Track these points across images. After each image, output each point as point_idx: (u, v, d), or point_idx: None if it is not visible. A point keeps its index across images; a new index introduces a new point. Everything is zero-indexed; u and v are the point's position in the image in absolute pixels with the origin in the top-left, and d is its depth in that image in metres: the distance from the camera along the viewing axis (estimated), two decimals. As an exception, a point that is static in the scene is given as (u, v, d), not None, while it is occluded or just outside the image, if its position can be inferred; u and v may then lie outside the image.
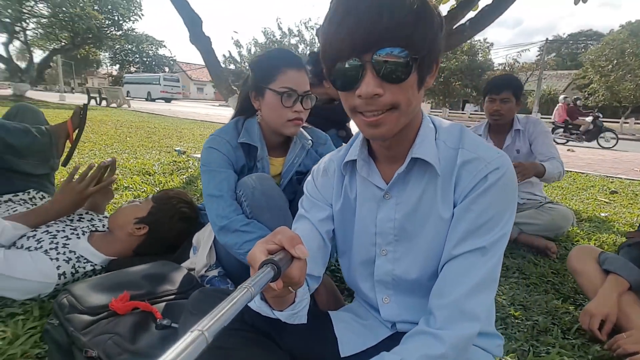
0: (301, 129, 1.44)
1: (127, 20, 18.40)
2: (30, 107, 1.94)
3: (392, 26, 0.63)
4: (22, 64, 17.48)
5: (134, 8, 18.60)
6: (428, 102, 29.37)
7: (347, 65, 0.66)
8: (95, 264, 1.37)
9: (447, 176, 0.78)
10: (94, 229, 1.50)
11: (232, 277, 1.33)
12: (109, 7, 17.43)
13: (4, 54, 15.74)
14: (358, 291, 0.97)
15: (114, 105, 15.27)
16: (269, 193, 1.21)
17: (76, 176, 1.49)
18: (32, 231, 1.38)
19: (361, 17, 0.63)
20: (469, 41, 27.38)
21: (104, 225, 1.54)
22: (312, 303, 1.24)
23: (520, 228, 2.14)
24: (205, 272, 1.32)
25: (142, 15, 18.97)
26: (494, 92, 2.14)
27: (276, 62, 1.28)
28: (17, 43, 17.60)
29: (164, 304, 1.09)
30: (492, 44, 28.46)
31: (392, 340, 0.85)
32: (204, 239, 1.38)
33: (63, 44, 18.23)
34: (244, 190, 1.21)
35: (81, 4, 15.87)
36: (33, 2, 15.96)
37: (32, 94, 15.91)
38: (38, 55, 18.87)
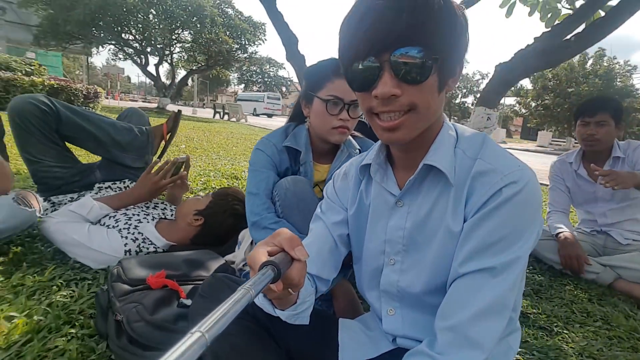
0: (350, 138, 1.46)
1: (252, 44, 20.53)
2: (138, 111, 2.31)
3: (412, 26, 0.61)
4: (167, 82, 20.84)
5: (259, 33, 20.71)
6: (550, 130, 26.33)
7: (364, 65, 0.65)
8: (157, 247, 1.55)
9: (460, 187, 0.72)
10: (163, 216, 1.71)
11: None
12: (239, 32, 19.70)
13: (154, 73, 18.99)
14: (366, 300, 0.93)
15: (234, 119, 17.25)
16: (301, 195, 1.24)
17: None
18: (114, 212, 1.62)
19: (380, 16, 0.62)
20: (606, 64, 23.91)
21: (172, 215, 1.74)
22: (327, 307, 1.22)
23: (619, 273, 1.79)
24: (243, 266, 1.39)
25: (265, 39, 20.97)
26: (587, 115, 1.89)
27: (325, 71, 1.32)
28: (165, 65, 20.95)
29: (191, 286, 1.18)
30: (635, 67, 24.12)
31: (392, 356, 0.81)
32: (247, 235, 1.46)
33: (200, 65, 21.23)
34: (278, 190, 1.26)
35: (216, 31, 18.29)
36: (180, 30, 18.93)
37: (171, 107, 18.68)
38: (179, 75, 22.20)
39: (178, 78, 21.51)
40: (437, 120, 0.74)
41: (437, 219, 0.74)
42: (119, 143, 2.00)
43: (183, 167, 1.80)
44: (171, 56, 20.36)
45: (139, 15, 17.41)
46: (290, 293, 0.62)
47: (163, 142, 2.20)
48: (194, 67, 21.59)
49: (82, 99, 10.15)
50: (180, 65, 22.09)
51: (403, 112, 0.66)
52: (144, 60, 19.37)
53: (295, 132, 1.43)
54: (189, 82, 21.32)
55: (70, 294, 1.28)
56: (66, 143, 1.91)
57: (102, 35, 17.86)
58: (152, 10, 17.89)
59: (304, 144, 1.39)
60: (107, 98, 20.13)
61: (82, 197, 1.63)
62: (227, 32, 18.93)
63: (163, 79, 20.36)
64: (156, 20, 17.80)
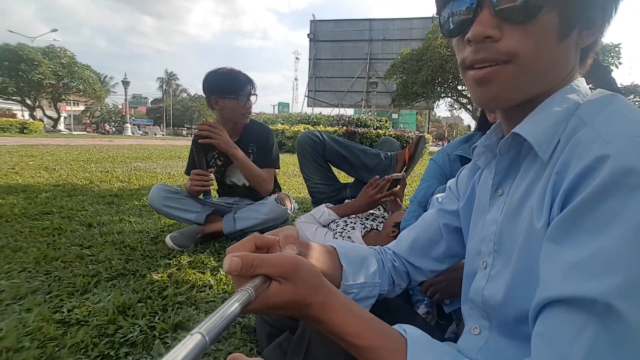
0: None
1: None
2: (390, 139, 2.62)
3: None
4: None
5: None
6: None
7: (459, 3, 0.53)
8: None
9: (553, 166, 0.51)
10: (376, 228, 1.87)
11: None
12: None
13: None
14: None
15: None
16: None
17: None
18: (339, 219, 1.94)
19: None
20: None
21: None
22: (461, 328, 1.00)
23: None
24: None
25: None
26: None
27: None
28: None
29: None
30: None
31: None
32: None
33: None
34: (432, 198, 1.17)
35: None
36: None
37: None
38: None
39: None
40: (557, 81, 0.52)
41: (528, 209, 0.52)
42: (366, 166, 2.36)
43: (398, 185, 1.91)
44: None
45: (473, 66, 18.56)
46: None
47: (405, 166, 2.38)
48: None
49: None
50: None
51: (500, 60, 0.49)
52: (474, 107, 20.30)
53: (474, 141, 1.27)
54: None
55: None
56: (330, 166, 2.46)
57: (440, 90, 20.23)
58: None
59: None
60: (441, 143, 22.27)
61: (321, 205, 2.06)
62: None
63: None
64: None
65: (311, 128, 11.29)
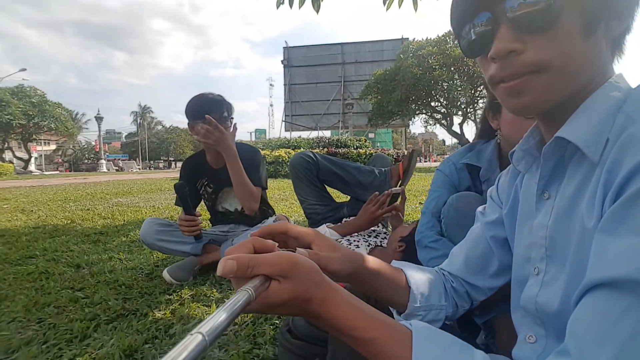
0: None
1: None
2: (382, 155, 2.64)
3: None
4: (471, 138, 21.47)
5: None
6: None
7: (475, 24, 0.52)
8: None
9: (603, 165, 0.50)
10: (380, 244, 1.84)
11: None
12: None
13: (458, 131, 20.07)
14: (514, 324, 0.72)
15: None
16: (465, 211, 1.09)
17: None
18: (341, 238, 1.91)
19: None
20: None
21: (387, 244, 1.85)
22: (491, 342, 0.97)
23: None
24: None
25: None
26: None
27: None
28: (469, 122, 21.65)
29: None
30: None
31: None
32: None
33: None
34: (444, 208, 1.16)
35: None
36: (481, 87, 19.39)
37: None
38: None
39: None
40: (592, 76, 0.51)
41: (579, 211, 0.51)
42: (361, 183, 2.35)
43: (399, 199, 1.90)
44: (474, 113, 20.98)
45: (444, 83, 19.22)
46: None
47: (400, 180, 2.39)
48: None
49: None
50: (483, 120, 22.39)
51: (527, 72, 0.49)
52: (449, 122, 20.88)
53: (480, 149, 1.28)
54: (494, 134, 20.93)
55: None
56: (325, 186, 2.43)
57: (414, 107, 20.75)
58: (456, 75, 19.36)
59: (487, 159, 1.22)
60: (423, 161, 22.73)
61: (321, 225, 2.02)
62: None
63: (467, 136, 21.05)
64: (459, 83, 19.07)
65: (292, 152, 11.31)
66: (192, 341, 0.31)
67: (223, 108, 1.92)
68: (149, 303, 1.58)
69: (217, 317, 0.35)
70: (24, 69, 34.70)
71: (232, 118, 1.97)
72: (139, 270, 2.06)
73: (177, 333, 1.29)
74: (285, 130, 33.88)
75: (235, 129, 1.92)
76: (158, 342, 1.23)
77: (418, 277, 0.72)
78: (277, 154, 11.22)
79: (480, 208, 0.80)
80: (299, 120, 33.82)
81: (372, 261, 0.70)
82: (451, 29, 0.60)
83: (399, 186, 2.39)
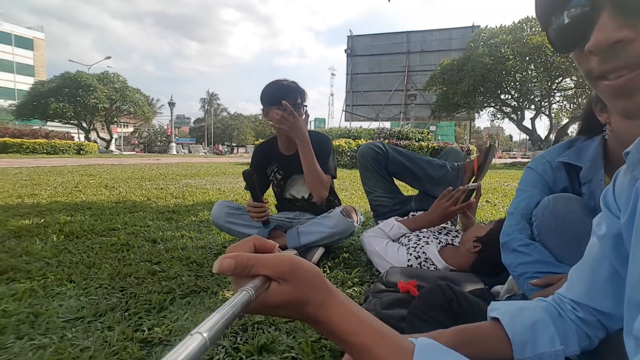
0: None
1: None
2: (455, 149, 2.49)
3: None
4: (543, 134, 19.87)
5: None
6: None
7: (568, 11, 0.44)
8: (438, 268, 1.61)
9: None
10: (451, 242, 1.74)
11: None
12: None
13: (529, 126, 18.66)
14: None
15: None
16: (563, 215, 0.97)
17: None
18: (410, 233, 1.83)
19: None
20: None
21: (459, 242, 1.74)
22: None
23: None
24: (507, 298, 1.21)
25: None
26: None
27: None
28: (543, 117, 20.08)
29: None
30: None
31: None
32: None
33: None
34: (537, 209, 1.05)
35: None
36: (561, 78, 17.81)
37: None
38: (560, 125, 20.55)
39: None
40: None
41: None
42: (432, 178, 2.24)
43: (474, 195, 1.78)
44: (549, 107, 19.36)
45: (517, 75, 17.91)
46: None
47: (474, 177, 2.24)
48: (578, 114, 19.42)
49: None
50: (561, 115, 20.55)
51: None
52: (520, 116, 19.48)
53: (581, 146, 1.13)
54: (570, 130, 19.23)
55: (359, 290, 1.58)
56: (393, 178, 2.35)
57: (482, 99, 19.61)
58: (531, 66, 17.95)
59: (590, 158, 1.08)
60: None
61: (389, 218, 1.96)
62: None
63: (539, 131, 19.54)
64: (534, 74, 17.66)
65: (352, 142, 11.23)
66: (192, 341, 0.31)
67: (297, 95, 1.92)
68: (219, 282, 1.63)
69: (217, 317, 0.35)
70: (109, 57, 37.99)
71: (306, 105, 1.96)
72: (208, 249, 2.15)
73: (247, 315, 1.31)
74: (345, 120, 33.77)
75: (307, 115, 1.91)
76: (229, 322, 1.26)
77: (518, 324, 0.63)
78: (337, 143, 11.21)
79: (595, 219, 0.66)
80: (360, 111, 33.47)
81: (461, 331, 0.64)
82: (536, 17, 0.50)
83: (473, 182, 2.24)
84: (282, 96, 1.83)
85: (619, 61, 0.40)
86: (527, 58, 17.58)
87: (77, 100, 27.10)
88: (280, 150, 2.14)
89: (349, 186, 5.62)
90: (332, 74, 67.37)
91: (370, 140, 11.52)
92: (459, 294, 0.92)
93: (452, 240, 1.77)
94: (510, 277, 1.24)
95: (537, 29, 18.47)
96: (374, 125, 26.28)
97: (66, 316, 1.30)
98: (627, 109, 0.43)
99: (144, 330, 1.20)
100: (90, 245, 2.15)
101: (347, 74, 34.40)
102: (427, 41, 32.01)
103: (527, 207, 1.12)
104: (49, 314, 1.30)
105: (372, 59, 33.31)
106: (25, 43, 50.66)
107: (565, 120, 20.42)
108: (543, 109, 19.40)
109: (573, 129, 19.32)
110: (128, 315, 1.31)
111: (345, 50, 34.32)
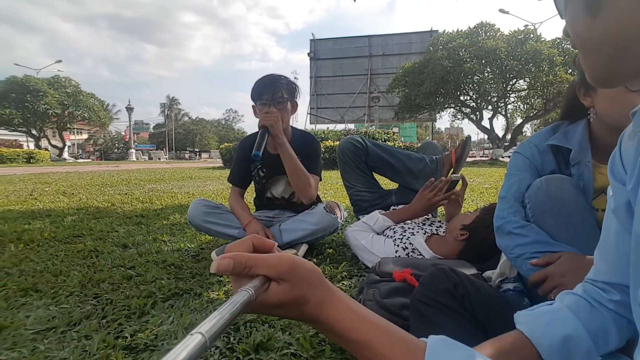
0: None
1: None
2: (433, 143, 2.52)
3: None
4: (500, 133, 20.84)
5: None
6: None
7: None
8: (425, 258, 1.61)
9: None
10: (436, 232, 1.75)
11: (530, 295, 1.15)
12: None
13: (487, 126, 19.49)
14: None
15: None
16: (556, 195, 0.99)
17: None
18: (394, 225, 1.83)
19: None
20: None
21: (444, 232, 1.75)
22: None
23: None
24: (500, 282, 1.22)
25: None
26: None
27: None
28: (500, 117, 21.05)
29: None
30: None
31: None
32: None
33: (536, 111, 20.00)
34: (530, 191, 1.06)
35: (555, 72, 16.86)
36: (514, 80, 18.75)
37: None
38: (514, 125, 21.63)
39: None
40: None
41: None
42: (412, 171, 2.25)
43: (458, 186, 1.80)
44: (505, 107, 20.34)
45: (475, 77, 18.67)
46: None
47: (452, 169, 2.28)
48: (531, 114, 20.53)
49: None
50: (515, 115, 21.66)
51: None
52: (478, 116, 20.29)
53: (567, 130, 1.16)
54: (525, 129, 20.23)
55: (349, 283, 1.55)
56: (373, 173, 2.35)
57: (443, 101, 20.27)
58: (487, 68, 18.77)
59: (577, 140, 1.11)
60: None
61: (373, 212, 1.94)
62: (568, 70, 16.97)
63: (497, 130, 20.46)
64: (491, 76, 18.49)
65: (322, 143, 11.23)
66: (192, 341, 0.30)
67: (281, 88, 1.85)
68: (201, 284, 1.55)
69: (217, 317, 0.34)
70: (60, 61, 35.92)
71: (294, 100, 1.92)
72: (184, 252, 2.04)
73: (237, 314, 1.24)
74: (310, 123, 33.82)
75: (288, 110, 1.86)
76: (220, 322, 1.19)
77: (546, 342, 0.58)
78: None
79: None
80: (324, 113, 33.64)
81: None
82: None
83: (453, 174, 2.28)
84: (265, 90, 1.78)
85: None
86: (483, 61, 18.37)
87: (26, 106, 25.48)
88: (266, 147, 2.07)
89: (326, 184, 5.60)
90: (295, 78, 67.31)
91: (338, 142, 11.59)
92: (462, 277, 0.91)
93: (436, 230, 1.78)
94: (502, 261, 1.25)
95: (491, 33, 19.39)
96: (340, 127, 26.49)
97: (35, 327, 1.18)
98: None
99: (127, 337, 1.11)
100: (54, 253, 1.99)
101: (310, 77, 34.51)
102: (388, 45, 32.75)
103: (518, 190, 1.13)
104: (14, 326, 1.18)
105: (335, 62, 33.63)
106: (-36, 45, 46.94)
107: (519, 120, 21.51)
108: (500, 109, 20.34)
109: (526, 129, 20.30)
110: (106, 323, 1.21)
111: (309, 54, 34.44)
